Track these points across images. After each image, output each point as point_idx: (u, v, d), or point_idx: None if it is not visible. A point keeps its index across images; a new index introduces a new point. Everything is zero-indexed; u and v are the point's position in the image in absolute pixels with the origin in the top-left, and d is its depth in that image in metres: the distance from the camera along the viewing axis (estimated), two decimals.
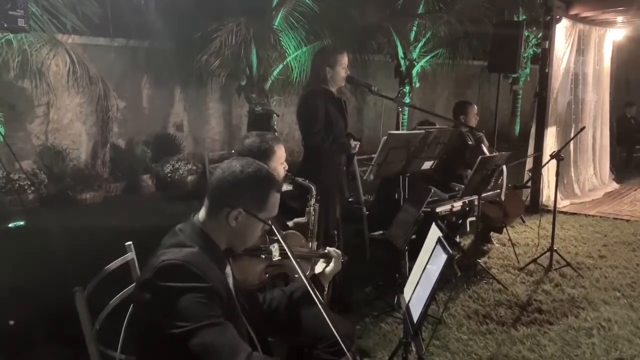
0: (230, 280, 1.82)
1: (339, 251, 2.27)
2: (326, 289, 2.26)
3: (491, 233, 5.30)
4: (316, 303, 1.91)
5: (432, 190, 3.47)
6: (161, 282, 1.56)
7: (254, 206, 1.73)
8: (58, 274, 4.08)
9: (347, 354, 1.84)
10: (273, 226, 1.84)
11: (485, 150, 4.85)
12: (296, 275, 2.16)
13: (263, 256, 2.04)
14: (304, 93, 3.80)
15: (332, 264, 2.18)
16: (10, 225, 5.61)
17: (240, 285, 1.92)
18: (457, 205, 4.34)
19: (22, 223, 5.64)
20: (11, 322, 3.40)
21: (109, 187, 7.60)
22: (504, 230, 5.20)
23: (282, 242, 1.95)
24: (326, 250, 2.21)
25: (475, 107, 5.18)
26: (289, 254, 1.95)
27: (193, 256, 1.61)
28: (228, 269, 1.81)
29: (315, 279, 2.15)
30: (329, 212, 3.55)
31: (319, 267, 2.20)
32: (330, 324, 1.74)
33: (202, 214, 1.75)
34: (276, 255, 2.06)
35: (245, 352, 1.56)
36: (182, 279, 1.55)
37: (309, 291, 1.92)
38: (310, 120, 3.56)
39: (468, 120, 5.03)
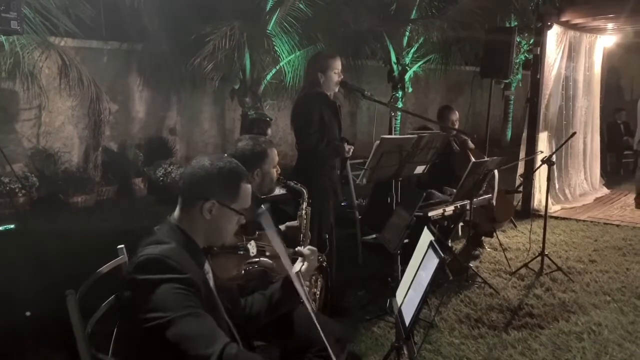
0: (210, 277, 1.84)
1: (314, 248, 2.28)
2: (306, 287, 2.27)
3: (482, 237, 5.33)
4: (297, 303, 1.97)
5: (424, 194, 3.48)
6: (139, 275, 1.60)
7: (227, 197, 1.78)
8: (49, 277, 4.05)
9: (334, 358, 1.84)
10: (248, 223, 1.89)
11: (470, 155, 4.87)
12: (273, 273, 2.18)
13: (241, 252, 2.07)
14: (299, 96, 3.81)
15: (307, 262, 2.20)
16: (0, 228, 5.57)
17: (221, 283, 1.92)
18: (449, 209, 4.36)
19: (12, 226, 5.60)
20: (28, 313, 3.39)
21: (101, 190, 7.56)
22: (495, 234, 5.22)
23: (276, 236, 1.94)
24: (298, 250, 2.22)
25: (456, 113, 5.15)
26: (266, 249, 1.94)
27: (170, 251, 1.65)
28: (207, 266, 1.83)
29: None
30: (323, 215, 3.56)
31: (297, 266, 2.22)
32: (319, 328, 1.75)
33: (176, 212, 1.80)
34: (253, 252, 2.10)
35: (223, 342, 1.57)
36: (159, 271, 1.59)
37: (287, 292, 1.96)
38: (306, 123, 3.57)
39: (444, 125, 5.02)
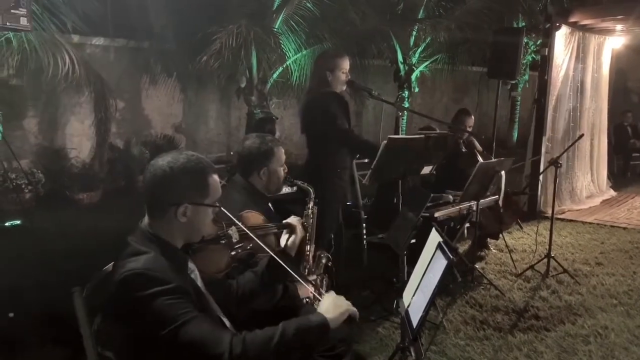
0: (196, 275, 1.81)
1: (298, 217, 2.27)
2: (305, 270, 2.27)
3: (487, 239, 5.30)
4: (288, 274, 1.95)
5: (431, 195, 3.47)
6: (128, 294, 1.56)
7: (198, 196, 1.72)
8: (55, 274, 4.07)
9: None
10: (223, 209, 1.84)
11: (478, 156, 4.85)
12: (260, 252, 2.14)
13: (223, 242, 2.01)
14: (314, 96, 3.74)
15: (295, 233, 2.19)
16: (6, 224, 5.59)
17: (208, 277, 1.91)
18: (456, 210, 4.34)
19: (18, 222, 5.62)
20: (11, 315, 3.39)
21: (106, 187, 7.57)
22: (501, 236, 5.20)
23: (238, 222, 1.96)
24: (285, 221, 2.22)
25: (472, 117, 5.15)
26: (247, 232, 1.96)
27: (151, 262, 1.61)
28: (190, 264, 1.81)
29: (283, 252, 2.17)
30: (332, 215, 3.54)
31: (284, 240, 2.22)
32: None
33: (147, 219, 1.74)
34: (236, 237, 2.03)
35: (228, 337, 1.57)
36: (146, 286, 1.55)
37: (278, 264, 1.93)
38: (333, 116, 3.53)
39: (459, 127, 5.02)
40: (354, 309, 1.76)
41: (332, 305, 1.74)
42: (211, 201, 1.76)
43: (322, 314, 1.70)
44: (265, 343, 1.58)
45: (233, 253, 2.09)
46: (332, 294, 1.81)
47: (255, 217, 2.31)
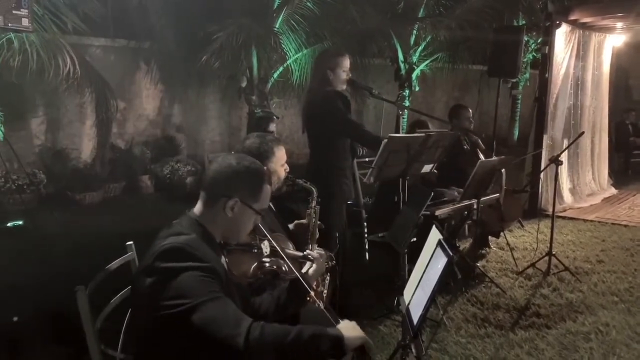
0: (226, 269, 1.87)
1: (323, 252, 2.30)
2: (312, 291, 2.29)
3: (489, 237, 5.31)
4: (304, 304, 2.02)
5: (432, 193, 3.47)
6: (162, 263, 1.62)
7: (249, 197, 1.83)
8: (57, 274, 4.08)
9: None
10: (259, 224, 1.96)
11: (480, 155, 4.86)
12: (283, 274, 2.21)
13: (255, 251, 2.10)
14: (317, 94, 3.72)
15: (315, 265, 2.22)
16: (9, 224, 5.61)
17: (234, 279, 1.95)
18: (457, 208, 4.35)
19: (20, 222, 5.64)
20: (15, 319, 3.40)
21: (108, 187, 7.59)
22: (502, 234, 5.21)
23: (271, 240, 2.09)
24: (307, 254, 2.25)
25: (469, 110, 5.16)
26: (278, 250, 2.06)
27: (192, 241, 1.69)
28: (223, 260, 1.87)
29: (303, 278, 2.18)
30: (335, 214, 3.54)
31: (305, 268, 2.24)
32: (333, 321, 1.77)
33: (197, 207, 1.83)
34: (266, 252, 2.15)
35: (248, 321, 1.61)
36: (182, 259, 1.62)
37: (294, 294, 2.02)
38: (340, 111, 3.52)
39: (460, 123, 5.04)
40: (371, 342, 1.79)
41: (351, 327, 1.78)
42: (258, 208, 1.86)
43: (340, 330, 1.74)
44: (280, 336, 1.63)
45: (260, 266, 2.17)
46: (352, 322, 1.84)
47: (283, 241, 2.36)
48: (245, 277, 2.12)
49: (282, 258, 2.11)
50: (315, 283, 2.45)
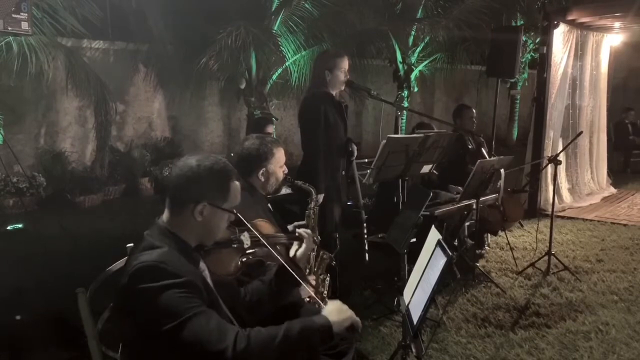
0: (207, 274, 1.84)
1: (309, 230, 2.30)
2: (305, 271, 2.30)
3: (486, 235, 5.30)
4: (297, 284, 1.97)
5: (431, 194, 3.48)
6: (139, 285, 1.58)
7: (217, 198, 1.77)
8: (57, 277, 4.08)
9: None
10: (238, 214, 1.88)
11: (485, 154, 4.88)
12: (270, 260, 2.17)
13: (235, 246, 2.04)
14: (305, 96, 3.81)
15: (304, 245, 2.22)
16: (8, 227, 5.61)
17: (218, 279, 1.93)
18: (456, 209, 4.35)
19: (20, 226, 5.64)
20: (17, 317, 3.42)
21: (107, 190, 7.60)
22: (502, 233, 5.21)
23: (252, 229, 2.00)
24: (295, 233, 2.23)
25: (472, 110, 5.20)
26: (260, 238, 1.99)
27: (164, 255, 1.64)
28: (202, 265, 1.83)
29: (292, 261, 2.19)
30: (327, 215, 3.56)
31: (293, 250, 2.24)
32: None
33: (165, 214, 1.78)
34: (247, 243, 2.07)
35: (233, 332, 1.60)
36: (158, 278, 1.58)
37: (287, 273, 1.97)
38: (311, 122, 3.57)
39: (463, 123, 5.06)
40: (357, 319, 1.78)
41: (336, 311, 1.76)
42: (229, 206, 1.80)
43: (326, 317, 1.72)
44: (268, 341, 1.61)
45: (244, 259, 2.12)
46: (337, 301, 1.83)
47: (266, 226, 2.34)
48: (230, 274, 2.08)
49: (265, 246, 2.02)
50: (306, 260, 2.41)
